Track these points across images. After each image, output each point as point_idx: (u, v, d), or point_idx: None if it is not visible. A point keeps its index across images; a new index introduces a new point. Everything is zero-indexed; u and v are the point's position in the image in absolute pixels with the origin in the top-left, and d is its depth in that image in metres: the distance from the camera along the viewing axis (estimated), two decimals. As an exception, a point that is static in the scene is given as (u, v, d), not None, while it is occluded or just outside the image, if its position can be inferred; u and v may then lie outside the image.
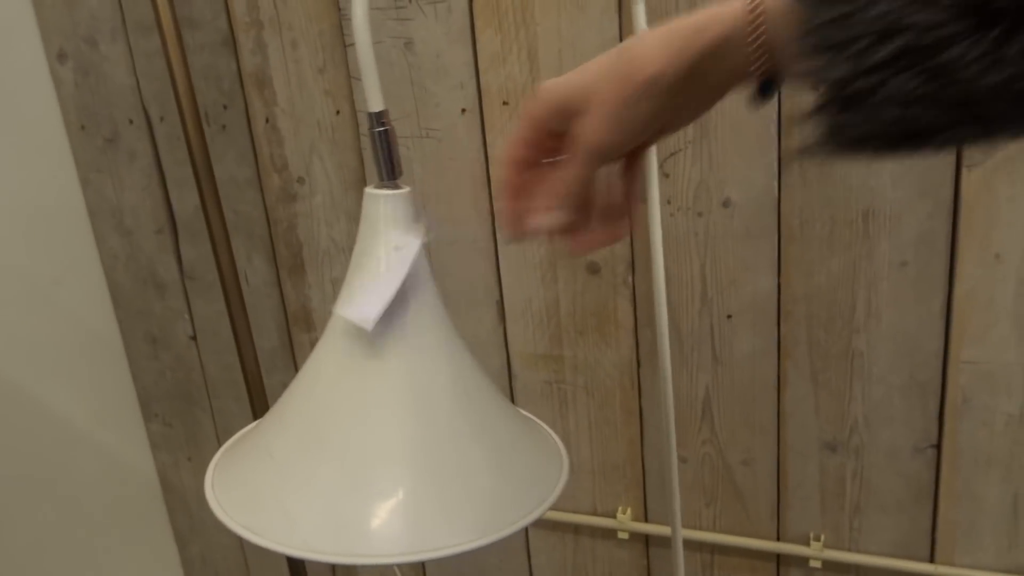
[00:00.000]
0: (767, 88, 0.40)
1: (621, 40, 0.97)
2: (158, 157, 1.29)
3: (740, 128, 0.95)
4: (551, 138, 0.44)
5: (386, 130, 0.50)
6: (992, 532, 0.99)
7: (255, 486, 0.48)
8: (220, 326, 1.36)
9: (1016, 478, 0.96)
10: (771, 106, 0.94)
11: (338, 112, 1.15)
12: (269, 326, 1.32)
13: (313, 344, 1.28)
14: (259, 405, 1.23)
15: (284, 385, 1.34)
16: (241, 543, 1.52)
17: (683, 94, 0.40)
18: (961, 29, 0.27)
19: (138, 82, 1.25)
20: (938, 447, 0.98)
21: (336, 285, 1.24)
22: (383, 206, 0.49)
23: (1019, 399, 0.93)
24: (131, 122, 1.28)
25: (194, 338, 1.39)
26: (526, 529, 1.25)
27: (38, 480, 1.31)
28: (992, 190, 0.88)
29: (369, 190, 0.50)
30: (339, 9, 1.09)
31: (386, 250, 0.48)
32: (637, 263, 1.05)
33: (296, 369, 1.33)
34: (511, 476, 0.48)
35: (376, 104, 0.50)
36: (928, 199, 0.90)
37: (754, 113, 0.94)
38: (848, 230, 0.94)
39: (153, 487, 1.54)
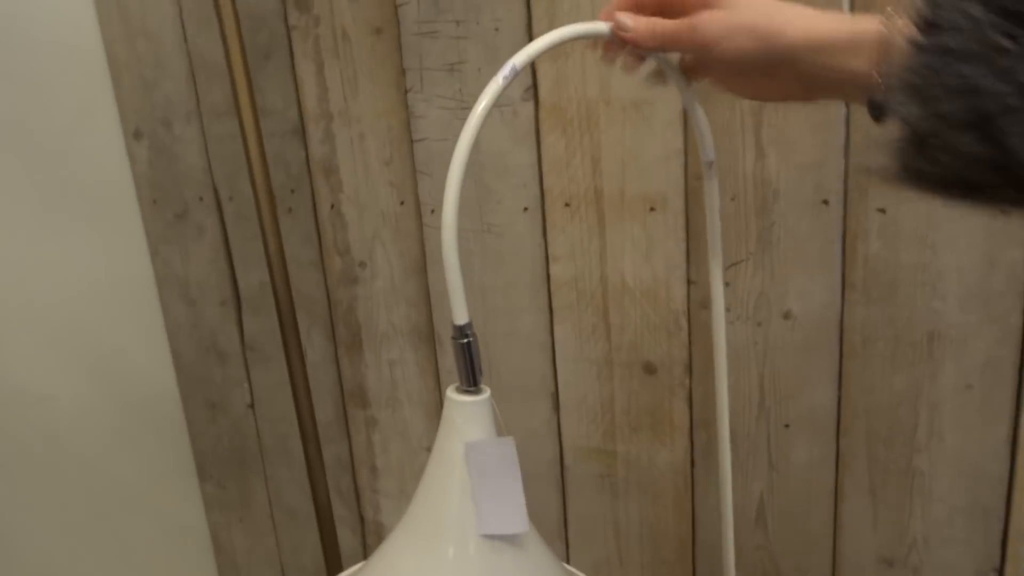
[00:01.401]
0: (877, 112, 0.41)
1: (686, 152, 0.98)
2: (225, 233, 1.33)
3: (803, 243, 0.96)
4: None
5: (469, 342, 0.51)
6: (1056, 662, 0.96)
7: None
8: (277, 396, 1.39)
9: (1082, 609, 0.94)
10: (834, 224, 0.94)
11: (402, 203, 1.17)
12: (325, 400, 1.35)
13: (368, 421, 1.31)
14: (316, 474, 1.25)
15: (337, 458, 1.36)
16: (288, 606, 1.54)
17: (788, 66, 0.44)
18: (1021, 104, 0.31)
19: (209, 163, 1.30)
20: (1000, 572, 0.96)
21: (393, 367, 1.27)
22: (470, 411, 0.51)
23: (1087, 530, 0.91)
24: (201, 199, 1.33)
25: (251, 406, 1.43)
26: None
27: (97, 536, 1.35)
28: (1063, 322, 0.86)
29: (453, 396, 0.51)
30: (407, 107, 1.12)
31: (482, 459, 0.49)
32: (695, 366, 1.06)
33: (350, 443, 1.35)
34: None
35: (461, 317, 0.52)
36: (996, 325, 0.89)
37: (816, 228, 0.94)
38: (912, 350, 0.93)
39: (205, 546, 1.57)
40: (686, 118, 0.97)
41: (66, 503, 1.29)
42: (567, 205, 1.07)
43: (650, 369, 1.08)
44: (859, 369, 0.97)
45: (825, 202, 0.93)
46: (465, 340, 0.51)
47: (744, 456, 1.06)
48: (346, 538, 1.42)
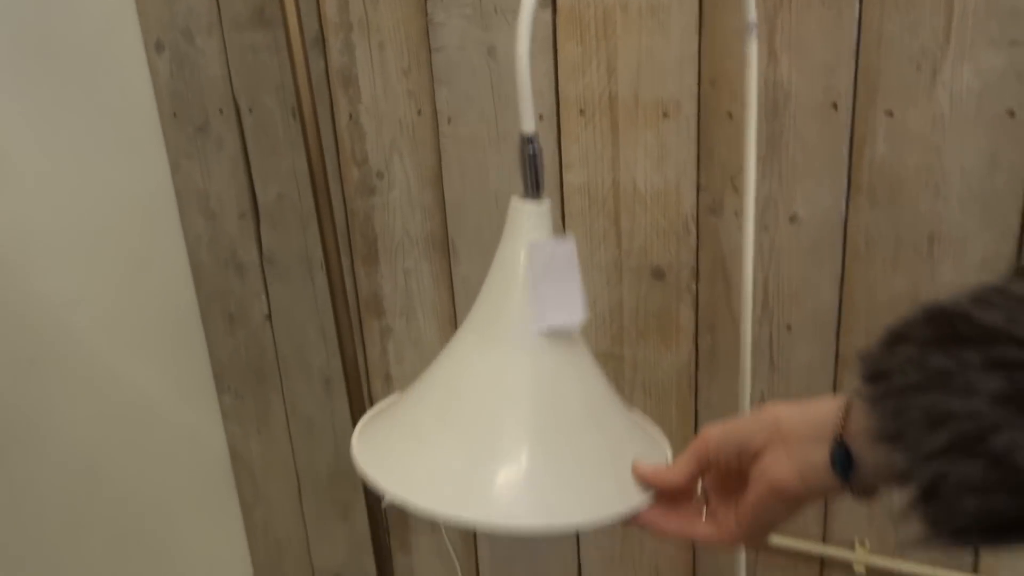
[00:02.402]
0: (867, 491, 0.44)
1: (699, 57, 1.01)
2: (245, 146, 1.36)
3: (811, 146, 0.99)
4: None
5: (534, 152, 0.54)
6: (1037, 550, 1.02)
7: (398, 454, 0.53)
8: (294, 308, 1.43)
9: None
10: (842, 128, 0.97)
11: (419, 112, 1.20)
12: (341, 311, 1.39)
13: (383, 331, 1.35)
14: (354, 391, 1.28)
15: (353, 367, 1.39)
16: (302, 512, 1.60)
17: (780, 500, 0.47)
18: (1002, 417, 0.29)
19: (230, 75, 1.32)
20: (989, 465, 1.01)
21: (408, 276, 1.31)
22: (533, 219, 0.53)
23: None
24: (221, 112, 1.36)
25: (269, 318, 1.47)
26: (578, 517, 1.31)
27: (116, 444, 1.40)
28: (1059, 220, 0.90)
29: (518, 203, 0.54)
30: (426, 14, 1.14)
31: (544, 259, 0.52)
32: (702, 271, 1.10)
33: (364, 353, 1.40)
34: (623, 465, 0.53)
35: (529, 127, 0.55)
36: (994, 226, 0.93)
37: (825, 132, 0.97)
38: (913, 252, 0.97)
39: (222, 456, 1.63)
40: (702, 23, 1.00)
41: (88, 409, 1.34)
42: (581, 112, 1.10)
43: (658, 274, 1.12)
44: (862, 271, 1.01)
45: (834, 105, 0.96)
46: (531, 150, 0.53)
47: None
48: (360, 446, 1.48)
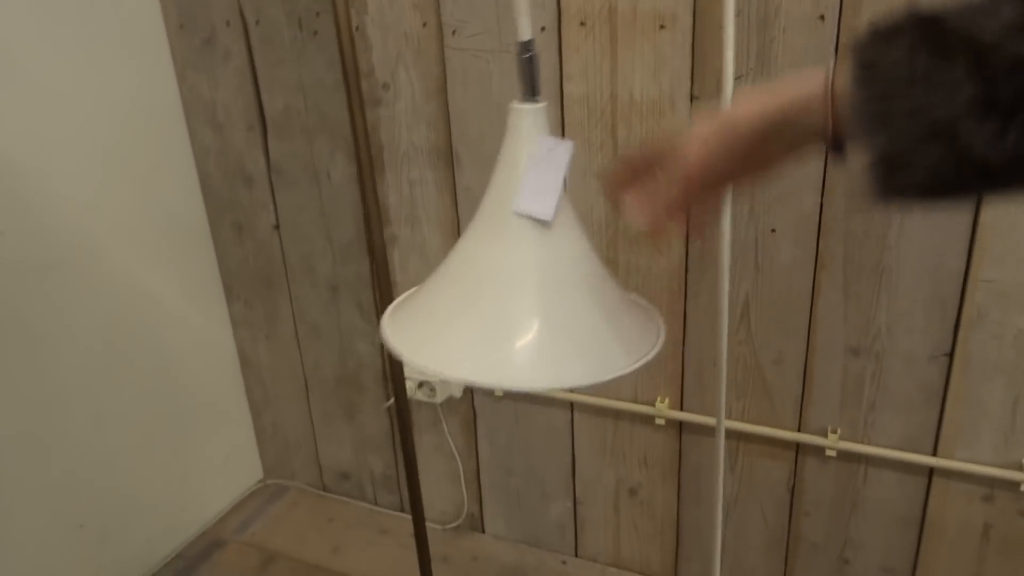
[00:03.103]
0: (838, 147, 0.47)
1: (696, -30, 1.05)
2: (251, 58, 1.40)
3: (799, 57, 1.04)
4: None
5: (532, 56, 0.59)
6: (990, 432, 1.12)
7: (425, 330, 0.60)
8: (301, 217, 1.49)
9: (1018, 385, 1.09)
10: (829, 38, 1.02)
11: (424, 24, 1.24)
12: (347, 220, 1.45)
13: (389, 239, 1.41)
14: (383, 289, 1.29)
15: (358, 275, 1.47)
16: (310, 415, 1.69)
17: (756, 143, 0.49)
18: (971, 115, 0.36)
19: (236, -14, 1.35)
20: (951, 356, 1.11)
21: (413, 186, 1.36)
22: (531, 118, 0.59)
23: (1028, 316, 1.05)
24: (227, 24, 1.39)
25: (277, 228, 1.53)
26: (572, 411, 1.40)
27: (131, 348, 1.47)
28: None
29: (516, 105, 0.59)
30: (432, -74, 1.17)
31: (539, 153, 0.58)
32: (693, 178, 1.16)
33: (372, 260, 1.46)
34: (624, 329, 0.60)
35: (526, 33, 0.60)
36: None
37: (812, 43, 1.03)
38: (890, 157, 1.04)
39: (232, 361, 1.71)
40: (699, -64, 1.04)
41: (105, 313, 1.40)
42: (582, 24, 1.14)
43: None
44: (841, 177, 1.08)
45: (822, 17, 1.01)
46: (528, 55, 0.59)
47: (733, 260, 1.18)
48: (365, 350, 1.56)
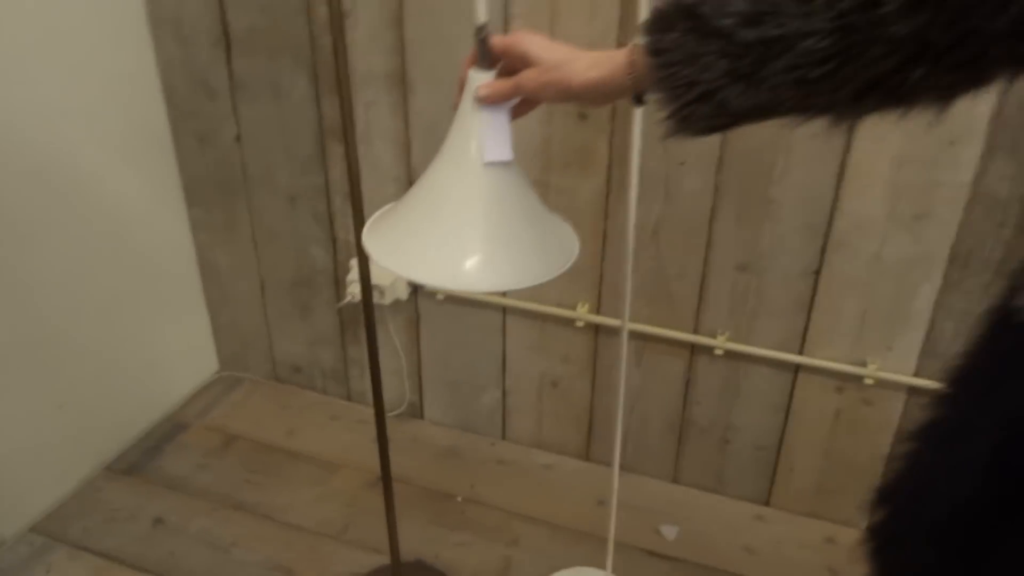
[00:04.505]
0: (639, 100, 0.68)
1: (628, -68, 1.21)
2: (217, -22, 1.49)
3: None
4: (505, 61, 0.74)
5: (485, 37, 0.75)
6: (844, 336, 1.38)
7: (394, 242, 0.78)
8: (263, 130, 1.62)
9: (867, 299, 1.34)
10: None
11: (384, -40, 1.36)
12: (306, 136, 1.59)
13: (343, 155, 1.56)
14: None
15: (315, 187, 1.61)
16: (265, 313, 1.85)
17: (583, 97, 0.69)
18: (724, 82, 0.54)
19: (204, -92, 1.43)
20: (817, 273, 1.35)
21: (368, 108, 1.50)
22: (484, 82, 0.76)
23: (879, 242, 1.29)
24: (195, -56, 1.47)
25: (238, 139, 1.65)
26: (504, 314, 1.61)
27: (102, 247, 1.59)
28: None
29: (472, 72, 0.76)
30: None
31: (487, 111, 0.75)
32: (617, 112, 1.34)
33: (326, 175, 1.61)
34: (549, 244, 0.79)
35: (482, 17, 0.76)
36: (840, 89, 1.20)
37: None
38: (779, 106, 1.24)
39: (191, 262, 1.84)
40: (631, -98, 1.19)
41: (79, 215, 1.51)
42: None
43: (582, 115, 1.37)
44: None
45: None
46: (483, 35, 0.75)
47: (647, 188, 1.38)
48: (319, 255, 1.72)
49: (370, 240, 0.80)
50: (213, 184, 1.73)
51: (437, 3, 1.36)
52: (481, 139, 0.75)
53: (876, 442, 1.44)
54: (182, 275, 1.83)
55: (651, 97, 0.61)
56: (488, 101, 0.72)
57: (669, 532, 1.53)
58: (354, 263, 1.67)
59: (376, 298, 1.66)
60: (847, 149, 1.24)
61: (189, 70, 1.61)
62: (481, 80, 0.74)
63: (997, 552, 0.48)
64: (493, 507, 1.59)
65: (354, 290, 1.66)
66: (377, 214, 0.83)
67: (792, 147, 1.27)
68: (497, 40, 0.73)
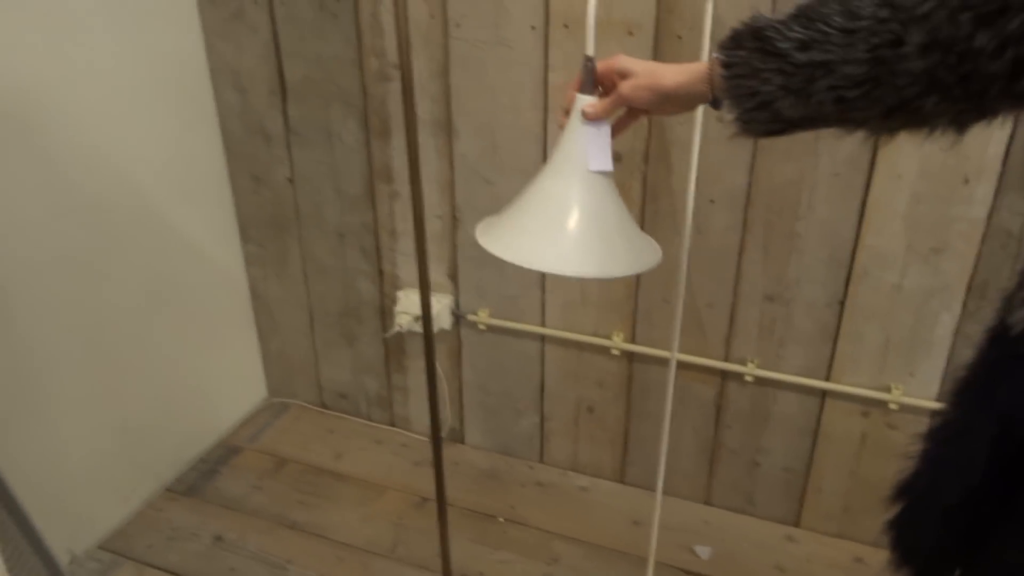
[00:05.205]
0: (717, 104, 0.77)
1: (659, -10, 1.31)
2: (275, 32, 1.61)
3: (737, 66, 1.31)
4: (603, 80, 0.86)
5: (592, 66, 0.86)
6: (868, 363, 1.45)
7: (508, 238, 0.88)
8: (314, 172, 1.73)
9: (889, 328, 1.41)
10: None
11: (432, 16, 1.47)
12: (355, 177, 1.70)
13: (391, 195, 1.66)
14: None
15: (363, 224, 1.71)
16: (313, 343, 1.95)
17: (671, 100, 0.80)
18: (782, 95, 0.64)
19: (265, -30, 1.55)
20: (842, 303, 1.42)
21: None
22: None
23: (899, 274, 1.37)
24: (255, 1, 1.59)
25: (291, 180, 1.76)
26: (542, 341, 1.70)
27: (163, 280, 1.70)
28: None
29: (579, 95, 0.86)
30: (442, -65, 1.40)
31: (591, 128, 0.85)
32: (650, 156, 1.44)
33: (375, 212, 1.71)
34: (638, 245, 0.89)
35: (590, 50, 0.87)
36: (860, 131, 1.29)
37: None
38: (802, 146, 1.33)
39: (244, 295, 1.95)
40: (662, -37, 1.29)
41: (146, 249, 1.63)
42: (565, 26, 1.39)
43: (617, 158, 1.46)
44: (765, 160, 1.36)
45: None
46: (591, 64, 0.85)
47: (680, 223, 1.46)
48: (365, 288, 1.82)
49: (485, 238, 0.90)
50: (266, 222, 1.84)
51: (479, 56, 1.47)
52: (587, 151, 0.86)
53: (901, 465, 1.51)
54: (235, 307, 1.94)
55: (723, 102, 0.72)
56: (594, 117, 0.84)
57: (703, 552, 1.59)
58: (401, 295, 1.77)
59: (420, 328, 1.75)
60: (867, 187, 1.33)
61: (246, 116, 1.72)
62: (587, 101, 0.85)
63: (995, 531, 0.57)
64: (533, 527, 1.66)
65: (402, 320, 1.76)
66: (484, 221, 0.93)
67: (816, 184, 1.35)
68: (599, 64, 0.85)
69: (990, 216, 1.28)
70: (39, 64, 1.35)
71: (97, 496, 1.62)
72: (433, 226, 1.67)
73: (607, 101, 0.83)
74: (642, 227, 1.50)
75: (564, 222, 0.86)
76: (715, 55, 0.71)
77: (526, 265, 0.85)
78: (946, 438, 0.61)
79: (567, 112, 0.87)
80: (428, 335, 1.21)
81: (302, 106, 1.67)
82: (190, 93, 1.69)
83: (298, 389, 2.04)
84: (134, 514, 1.69)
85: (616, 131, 0.87)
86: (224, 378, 1.94)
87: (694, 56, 1.32)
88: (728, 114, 0.69)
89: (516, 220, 0.89)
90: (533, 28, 1.41)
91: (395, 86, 1.56)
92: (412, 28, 1.50)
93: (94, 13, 1.44)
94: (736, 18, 1.27)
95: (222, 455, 1.88)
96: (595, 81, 0.86)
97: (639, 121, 0.89)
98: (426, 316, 1.20)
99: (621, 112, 0.86)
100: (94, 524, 1.62)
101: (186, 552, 1.60)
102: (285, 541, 1.62)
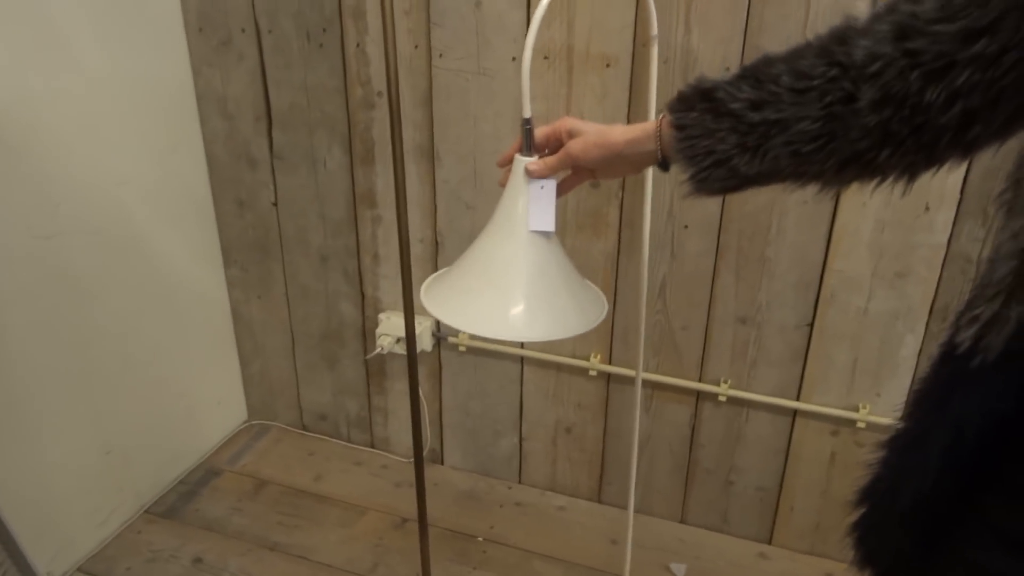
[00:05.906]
0: (665, 166, 0.80)
1: (635, 25, 1.37)
2: (262, 61, 1.65)
3: (710, 98, 1.37)
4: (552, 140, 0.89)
5: (530, 128, 0.89)
6: (837, 383, 1.50)
7: (450, 300, 0.90)
8: (298, 197, 1.76)
9: (857, 349, 1.47)
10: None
11: (416, 47, 1.52)
12: (339, 201, 1.73)
13: (374, 219, 1.70)
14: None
15: (346, 247, 1.74)
16: (294, 365, 1.97)
17: (620, 159, 0.82)
18: (737, 152, 0.67)
19: (253, 1, 1.59)
20: (811, 326, 1.48)
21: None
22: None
23: (866, 297, 1.42)
24: (243, 31, 1.63)
25: (275, 204, 1.79)
26: (521, 363, 1.73)
27: (147, 302, 1.72)
28: (866, 160, 1.33)
29: (518, 156, 0.89)
30: (427, -31, 1.45)
31: (534, 188, 0.88)
32: (627, 183, 1.49)
33: (357, 236, 1.75)
34: (583, 302, 0.92)
35: (528, 112, 0.90)
36: (826, 161, 1.35)
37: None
38: (772, 176, 1.39)
39: (226, 317, 1.97)
40: (638, 3, 1.35)
41: (131, 271, 1.65)
42: (545, 58, 1.45)
43: (595, 184, 1.51)
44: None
45: (728, 68, 1.35)
46: (528, 127, 0.89)
47: (655, 248, 1.51)
48: (348, 310, 1.85)
49: (428, 299, 0.93)
50: (250, 245, 1.86)
51: (460, 86, 1.52)
52: (528, 211, 0.89)
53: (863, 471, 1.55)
54: (217, 329, 1.96)
55: (675, 163, 0.74)
56: (539, 174, 0.86)
57: (678, 570, 1.63)
58: (383, 317, 1.80)
59: (402, 349, 1.78)
60: (834, 213, 1.39)
61: (232, 142, 1.75)
62: (526, 162, 0.88)
63: (953, 533, 0.61)
64: (512, 547, 1.69)
65: (384, 342, 1.78)
66: (431, 278, 0.96)
67: (786, 211, 1.41)
68: (541, 130, 0.88)
69: (950, 242, 1.34)
70: (27, 88, 1.38)
71: (77, 517, 1.62)
72: (415, 249, 1.70)
73: (554, 159, 0.85)
74: (618, 252, 1.55)
75: (507, 285, 0.88)
76: (665, 116, 0.73)
77: (471, 331, 0.88)
78: (904, 446, 0.65)
79: (505, 164, 0.90)
80: (412, 357, 1.24)
81: (287, 132, 1.70)
82: (177, 118, 1.72)
83: (279, 411, 2.05)
84: (113, 536, 1.69)
85: (560, 192, 0.89)
86: (205, 400, 1.95)
87: (672, 85, 1.38)
88: (683, 174, 0.71)
89: (461, 282, 0.91)
90: (514, 59, 1.46)
91: (379, 113, 1.61)
92: (397, 58, 1.54)
93: (84, 39, 1.47)
94: (710, 51, 1.34)
95: (202, 477, 1.88)
96: (532, 145, 0.88)
97: (582, 183, 0.91)
98: (410, 339, 1.23)
99: (567, 172, 0.88)
100: (74, 546, 1.62)
101: (166, 574, 1.60)
102: (265, 563, 1.63)
